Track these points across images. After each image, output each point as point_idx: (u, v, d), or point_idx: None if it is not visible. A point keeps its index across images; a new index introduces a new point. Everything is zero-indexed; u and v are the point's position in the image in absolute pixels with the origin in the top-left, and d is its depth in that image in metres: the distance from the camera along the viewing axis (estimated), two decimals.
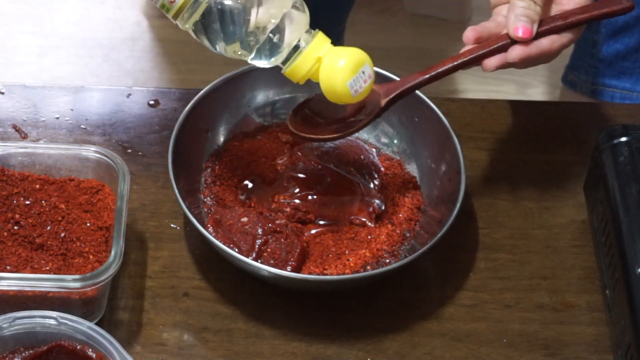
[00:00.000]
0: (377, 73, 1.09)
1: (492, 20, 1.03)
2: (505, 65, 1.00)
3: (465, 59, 1.00)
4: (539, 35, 0.99)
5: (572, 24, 1.01)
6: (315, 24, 0.99)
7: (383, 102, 1.01)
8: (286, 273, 0.98)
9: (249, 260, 0.97)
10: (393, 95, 1.01)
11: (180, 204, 1.00)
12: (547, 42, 1.00)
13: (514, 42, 0.99)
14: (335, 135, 1.02)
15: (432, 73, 1.01)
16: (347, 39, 1.85)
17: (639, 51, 1.38)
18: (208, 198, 1.06)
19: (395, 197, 1.07)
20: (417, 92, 1.08)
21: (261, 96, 1.12)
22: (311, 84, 1.12)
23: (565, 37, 1.00)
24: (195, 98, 1.07)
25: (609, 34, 1.40)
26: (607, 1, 1.03)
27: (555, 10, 1.02)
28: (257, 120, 1.13)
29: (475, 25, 1.02)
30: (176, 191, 1.00)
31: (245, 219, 1.02)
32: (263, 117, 1.13)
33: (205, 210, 1.05)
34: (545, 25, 1.00)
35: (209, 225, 1.01)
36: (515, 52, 0.99)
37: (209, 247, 1.02)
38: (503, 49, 1.00)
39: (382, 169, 1.09)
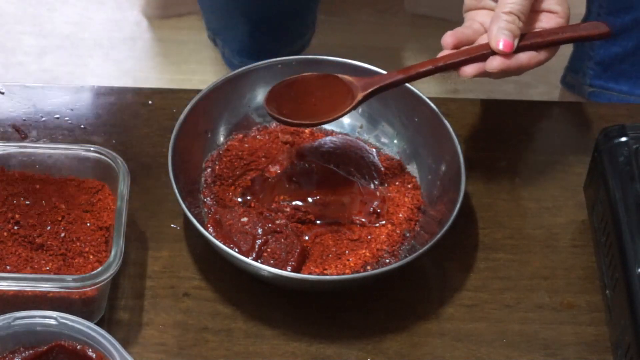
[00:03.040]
0: (378, 74, 1.09)
1: (468, 27, 1.05)
2: (482, 74, 1.02)
3: (444, 63, 1.02)
4: (518, 49, 1.01)
5: (551, 43, 1.03)
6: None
7: (360, 95, 1.02)
8: (286, 273, 0.98)
9: (249, 260, 0.97)
10: (370, 90, 1.03)
11: (180, 204, 1.00)
12: (525, 58, 1.02)
13: (494, 52, 1.01)
14: (307, 122, 1.03)
15: (411, 73, 1.03)
16: (348, 39, 1.86)
17: (636, 54, 1.38)
18: (208, 198, 1.06)
19: (395, 197, 1.07)
20: (417, 92, 1.08)
21: (261, 96, 1.12)
22: None
23: (542, 54, 1.03)
24: (195, 98, 1.07)
25: None
26: (587, 24, 1.05)
27: (534, 27, 1.04)
28: (257, 120, 1.13)
29: (453, 31, 1.04)
30: (176, 191, 1.00)
31: (245, 219, 1.02)
32: (263, 117, 1.13)
33: (205, 210, 1.05)
34: (526, 41, 1.02)
35: (209, 225, 1.01)
36: (495, 63, 1.01)
37: (209, 247, 1.02)
38: (482, 58, 1.02)
39: (382, 169, 1.09)
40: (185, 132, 1.05)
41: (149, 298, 1.01)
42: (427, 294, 1.03)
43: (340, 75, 1.04)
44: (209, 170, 1.08)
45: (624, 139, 1.03)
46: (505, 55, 1.01)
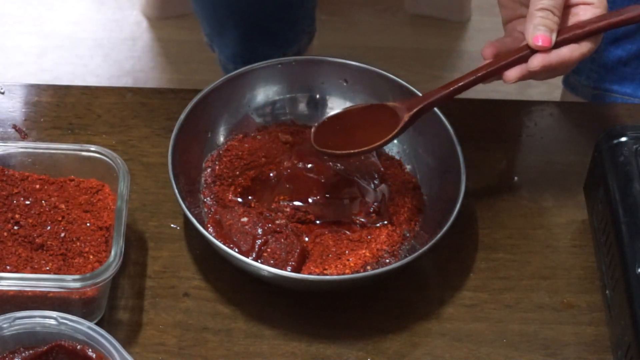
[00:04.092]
0: (378, 74, 1.10)
1: (508, 36, 1.04)
2: (526, 76, 1.00)
3: (486, 71, 1.00)
4: (558, 44, 0.99)
5: (590, 32, 1.01)
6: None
7: (406, 116, 1.01)
8: (286, 273, 0.98)
9: (249, 260, 0.97)
10: (416, 109, 1.01)
11: (180, 204, 1.00)
12: (567, 51, 1.00)
13: (533, 52, 0.99)
14: (358, 150, 1.01)
15: (455, 87, 1.01)
16: (348, 39, 1.85)
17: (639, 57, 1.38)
18: (208, 198, 1.06)
19: (395, 197, 1.07)
20: (418, 92, 1.08)
21: (261, 96, 1.12)
22: (312, 85, 1.13)
23: (584, 46, 1.01)
24: (195, 98, 1.07)
25: (610, 39, 1.40)
26: (623, 9, 1.03)
27: (572, 20, 1.02)
28: (257, 120, 1.13)
29: (493, 41, 1.03)
30: (176, 191, 1.00)
31: (245, 219, 1.02)
32: (263, 117, 1.13)
33: (205, 210, 1.05)
34: (564, 34, 1.00)
35: (209, 225, 1.01)
36: (537, 60, 0.99)
37: (209, 247, 1.02)
38: (523, 59, 1.00)
39: (382, 169, 1.09)
40: (185, 132, 1.05)
41: (149, 298, 1.01)
42: (427, 294, 1.03)
43: (384, 103, 1.03)
44: (209, 170, 1.08)
45: (624, 139, 1.03)
46: (545, 51, 0.99)
